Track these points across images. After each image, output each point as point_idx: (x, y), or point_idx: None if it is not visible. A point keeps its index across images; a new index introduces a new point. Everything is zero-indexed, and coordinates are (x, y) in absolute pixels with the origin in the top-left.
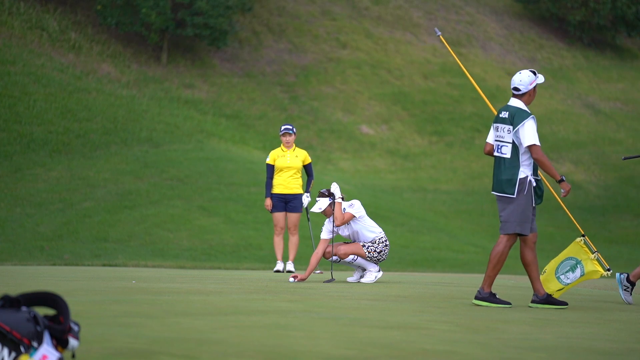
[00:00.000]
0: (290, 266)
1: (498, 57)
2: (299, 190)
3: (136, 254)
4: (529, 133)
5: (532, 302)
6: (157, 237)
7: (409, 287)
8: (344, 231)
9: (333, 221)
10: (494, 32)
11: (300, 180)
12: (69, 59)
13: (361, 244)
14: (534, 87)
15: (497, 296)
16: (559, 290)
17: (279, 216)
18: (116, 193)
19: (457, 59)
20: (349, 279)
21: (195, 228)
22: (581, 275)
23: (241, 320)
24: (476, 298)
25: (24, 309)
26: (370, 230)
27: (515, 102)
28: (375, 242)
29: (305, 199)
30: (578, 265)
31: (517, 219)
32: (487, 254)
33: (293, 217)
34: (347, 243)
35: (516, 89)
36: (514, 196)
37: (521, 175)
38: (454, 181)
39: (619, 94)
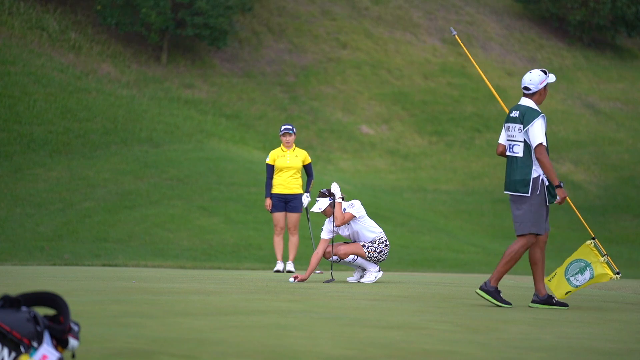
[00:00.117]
0: (290, 266)
1: (498, 57)
2: (298, 190)
3: (136, 254)
4: (537, 132)
5: (533, 302)
6: (157, 237)
7: (409, 287)
8: (344, 231)
9: (333, 221)
10: (494, 32)
11: (300, 180)
12: (69, 59)
13: (361, 244)
14: (545, 86)
15: (501, 294)
16: (567, 292)
17: (279, 216)
18: (116, 193)
19: (472, 59)
20: (349, 279)
21: (195, 228)
22: (590, 278)
23: (241, 320)
24: (480, 288)
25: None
26: (370, 230)
27: (525, 102)
28: (376, 242)
29: (305, 199)
30: (587, 268)
31: (532, 219)
32: (487, 254)
33: (293, 217)
34: (347, 243)
35: (526, 88)
36: (529, 195)
37: (534, 174)
38: (454, 181)
39: (619, 94)
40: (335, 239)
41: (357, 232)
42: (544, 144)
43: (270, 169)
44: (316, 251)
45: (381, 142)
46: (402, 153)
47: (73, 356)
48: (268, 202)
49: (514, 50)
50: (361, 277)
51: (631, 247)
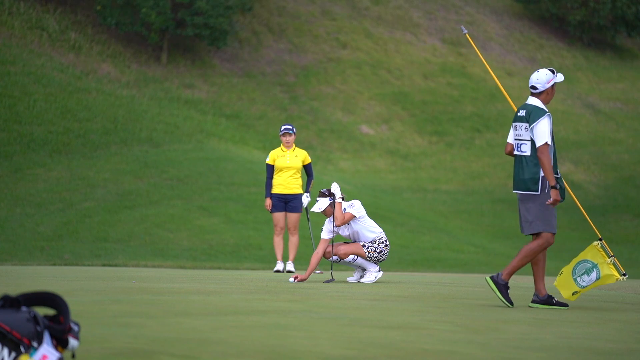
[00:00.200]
0: (290, 266)
1: (498, 57)
2: (298, 190)
3: (136, 254)
4: (541, 131)
5: (533, 302)
6: (157, 237)
7: (409, 287)
8: (344, 231)
9: (333, 221)
10: (494, 32)
11: (300, 180)
12: (69, 59)
13: (361, 244)
14: (552, 85)
15: (508, 292)
16: (574, 293)
17: (279, 216)
18: (116, 193)
19: (482, 59)
20: (349, 279)
21: (195, 228)
22: (597, 279)
23: (241, 320)
24: (491, 278)
25: (24, 309)
26: (370, 230)
27: (532, 101)
28: (376, 242)
29: (305, 199)
30: (594, 269)
31: (542, 218)
32: (487, 254)
33: (293, 217)
34: (347, 243)
35: (533, 87)
36: (538, 193)
37: (542, 173)
38: (454, 181)
39: (619, 94)
40: (335, 239)
41: (357, 232)
42: (549, 143)
43: (270, 169)
44: (316, 251)
45: (381, 142)
46: (402, 153)
47: (73, 356)
48: (268, 202)
49: (514, 50)
50: (361, 277)
51: (631, 247)
